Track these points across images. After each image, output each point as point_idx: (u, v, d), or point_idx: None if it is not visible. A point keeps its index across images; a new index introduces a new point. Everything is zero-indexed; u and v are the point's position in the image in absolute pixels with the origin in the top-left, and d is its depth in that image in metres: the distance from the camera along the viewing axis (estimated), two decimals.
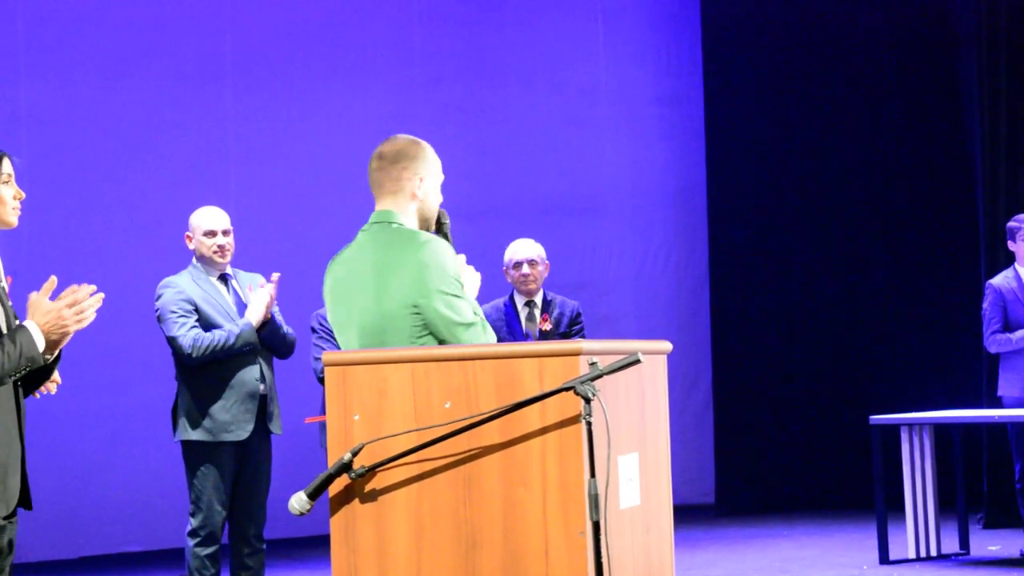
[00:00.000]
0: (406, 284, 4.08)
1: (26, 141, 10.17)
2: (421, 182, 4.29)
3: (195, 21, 10.96)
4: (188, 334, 6.59)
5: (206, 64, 10.96)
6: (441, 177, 4.37)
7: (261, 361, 6.75)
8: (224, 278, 6.81)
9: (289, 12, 11.38)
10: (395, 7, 11.82)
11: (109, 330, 10.21)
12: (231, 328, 6.61)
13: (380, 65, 11.66)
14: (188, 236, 6.79)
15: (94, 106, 10.53)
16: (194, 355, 6.59)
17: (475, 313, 4.14)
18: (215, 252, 6.74)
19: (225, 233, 6.77)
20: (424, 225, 4.31)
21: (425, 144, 4.36)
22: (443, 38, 11.96)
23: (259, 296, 6.70)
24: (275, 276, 6.77)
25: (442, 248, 4.14)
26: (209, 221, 6.77)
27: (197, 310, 6.65)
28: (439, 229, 4.34)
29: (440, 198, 4.37)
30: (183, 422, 6.66)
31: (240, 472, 6.73)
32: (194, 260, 6.81)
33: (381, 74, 11.64)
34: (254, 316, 6.66)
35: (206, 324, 6.66)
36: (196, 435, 6.63)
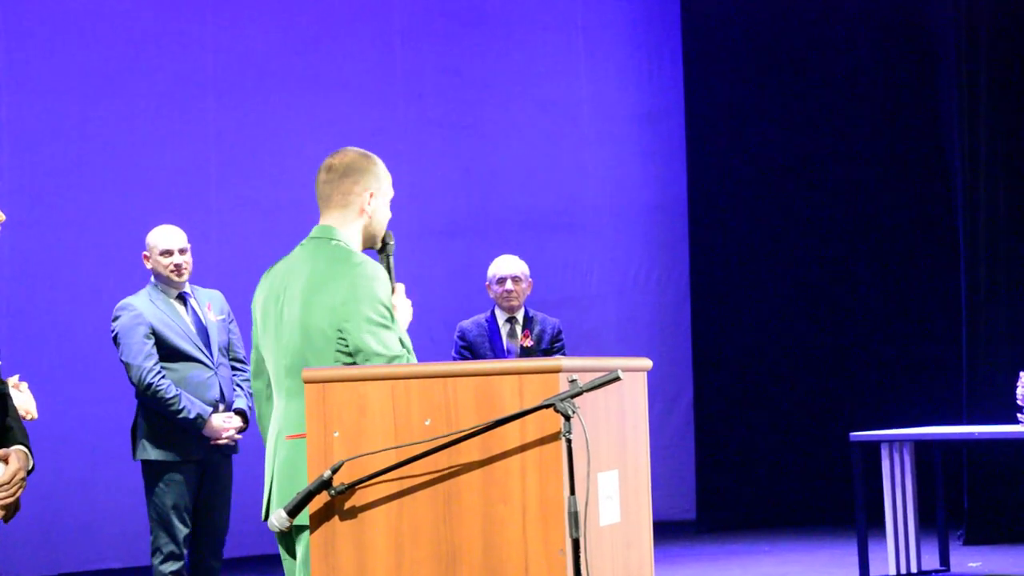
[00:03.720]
0: (335, 306, 3.99)
1: (7, 158, 10.15)
2: (371, 198, 4.19)
3: (177, 38, 10.95)
4: (145, 365, 6.59)
5: (188, 81, 10.95)
6: (391, 194, 4.24)
7: (220, 381, 6.77)
8: (183, 297, 6.80)
9: (270, 29, 11.39)
10: (377, 24, 11.83)
11: (87, 347, 10.21)
12: (187, 404, 6.59)
13: (362, 81, 11.67)
14: (145, 255, 6.77)
15: (75, 123, 10.50)
16: (139, 390, 6.63)
17: (403, 344, 4.04)
18: (172, 271, 6.72)
19: (182, 252, 6.75)
20: (370, 243, 4.22)
21: (376, 159, 4.25)
22: (425, 55, 11.98)
23: (224, 426, 6.71)
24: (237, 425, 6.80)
25: (375, 273, 4.03)
26: (165, 240, 6.74)
27: (155, 332, 6.65)
28: (383, 250, 4.23)
29: (389, 215, 4.25)
30: (142, 442, 6.68)
31: (199, 491, 6.74)
32: (152, 279, 6.79)
33: (363, 90, 11.65)
34: (214, 424, 6.67)
35: (163, 345, 6.65)
36: (155, 454, 6.65)
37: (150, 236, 6.76)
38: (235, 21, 11.25)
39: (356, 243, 4.19)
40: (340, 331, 3.98)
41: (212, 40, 11.11)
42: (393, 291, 4.19)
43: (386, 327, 3.99)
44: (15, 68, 10.36)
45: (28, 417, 5.10)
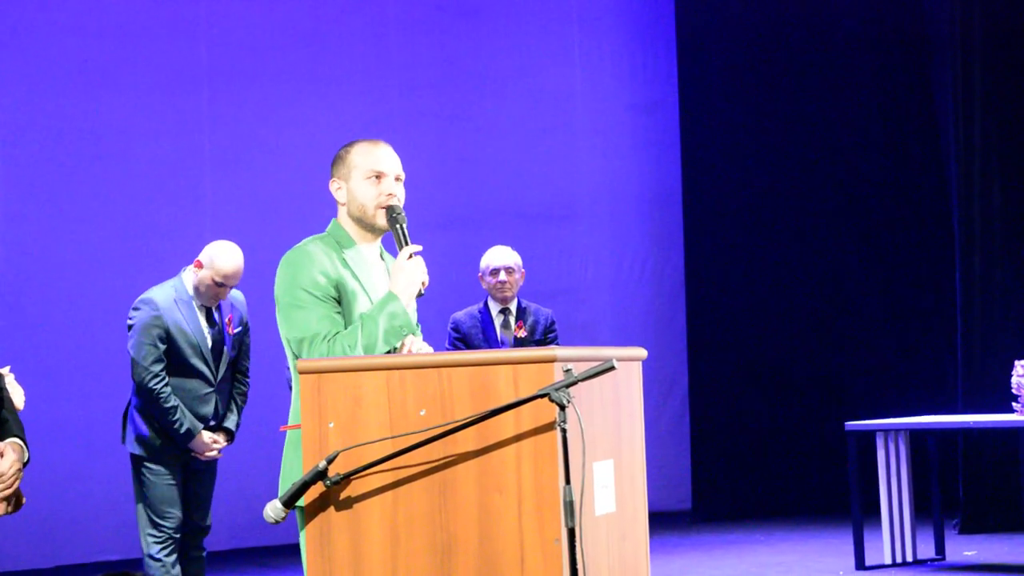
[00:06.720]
0: (275, 299, 4.13)
1: (0, 151, 10.13)
2: (340, 186, 4.23)
3: (170, 29, 10.93)
4: (152, 369, 6.55)
5: (181, 73, 10.94)
6: (369, 169, 4.18)
7: (217, 398, 6.78)
8: (208, 309, 6.74)
9: (264, 20, 11.37)
10: (371, 15, 11.82)
11: (84, 338, 10.21)
12: (181, 417, 6.59)
13: (356, 73, 11.66)
14: (199, 263, 6.62)
15: (68, 115, 10.48)
16: (141, 389, 6.60)
17: (361, 317, 4.02)
18: (213, 298, 6.67)
19: (233, 287, 6.70)
20: (364, 225, 4.20)
21: (346, 146, 4.27)
22: (419, 46, 11.96)
23: (209, 446, 6.73)
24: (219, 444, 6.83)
25: (295, 257, 4.08)
26: (229, 271, 6.59)
27: (169, 336, 6.59)
28: (392, 222, 4.18)
29: (368, 191, 4.17)
30: (130, 434, 6.71)
31: (184, 485, 6.78)
32: (192, 281, 6.67)
33: (357, 82, 11.64)
34: (201, 441, 6.69)
35: (172, 353, 6.60)
36: (141, 449, 6.68)
37: (218, 259, 6.59)
38: (229, 13, 11.23)
39: (352, 231, 4.21)
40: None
41: (205, 32, 11.10)
42: (400, 251, 4.17)
43: (299, 307, 4.02)
44: (7, 61, 10.33)
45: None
